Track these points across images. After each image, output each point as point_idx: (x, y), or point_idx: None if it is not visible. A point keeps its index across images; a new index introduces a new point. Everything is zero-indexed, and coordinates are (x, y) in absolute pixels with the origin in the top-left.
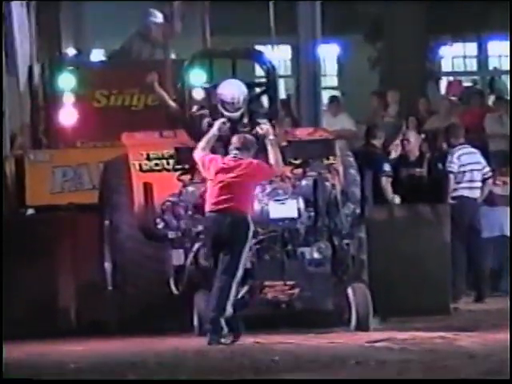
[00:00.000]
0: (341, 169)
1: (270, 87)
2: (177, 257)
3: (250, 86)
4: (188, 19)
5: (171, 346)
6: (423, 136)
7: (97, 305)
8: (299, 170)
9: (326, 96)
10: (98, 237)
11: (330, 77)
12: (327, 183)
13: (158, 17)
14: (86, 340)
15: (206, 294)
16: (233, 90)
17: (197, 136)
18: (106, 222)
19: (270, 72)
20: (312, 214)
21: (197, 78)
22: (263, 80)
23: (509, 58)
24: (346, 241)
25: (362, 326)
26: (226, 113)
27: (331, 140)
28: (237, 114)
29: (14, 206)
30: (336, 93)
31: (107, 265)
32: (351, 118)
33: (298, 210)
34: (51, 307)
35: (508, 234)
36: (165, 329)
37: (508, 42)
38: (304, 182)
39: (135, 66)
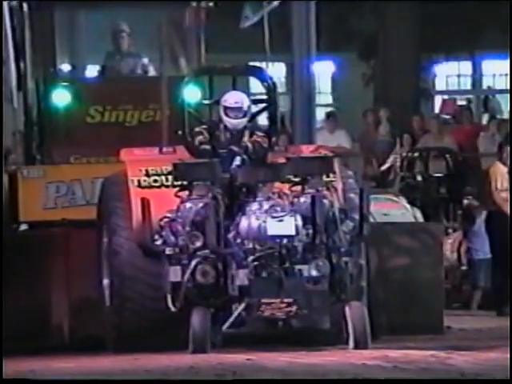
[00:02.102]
0: (340, 186)
1: (271, 104)
2: (174, 273)
3: (252, 102)
4: (183, 36)
5: (163, 363)
6: (417, 154)
7: (93, 321)
8: (298, 187)
9: (320, 113)
10: (96, 253)
11: (324, 94)
12: (325, 201)
13: (125, 29)
14: (79, 357)
15: (203, 311)
16: (237, 96)
17: (195, 153)
18: (105, 240)
19: (271, 89)
20: (310, 231)
21: (196, 94)
22: (264, 97)
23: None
24: (344, 258)
25: (361, 345)
26: (229, 120)
27: (330, 157)
28: (239, 122)
29: (7, 221)
30: (332, 109)
31: (105, 281)
32: (348, 135)
33: (296, 227)
34: (44, 324)
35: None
36: (161, 346)
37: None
38: (302, 200)
39: (129, 82)
